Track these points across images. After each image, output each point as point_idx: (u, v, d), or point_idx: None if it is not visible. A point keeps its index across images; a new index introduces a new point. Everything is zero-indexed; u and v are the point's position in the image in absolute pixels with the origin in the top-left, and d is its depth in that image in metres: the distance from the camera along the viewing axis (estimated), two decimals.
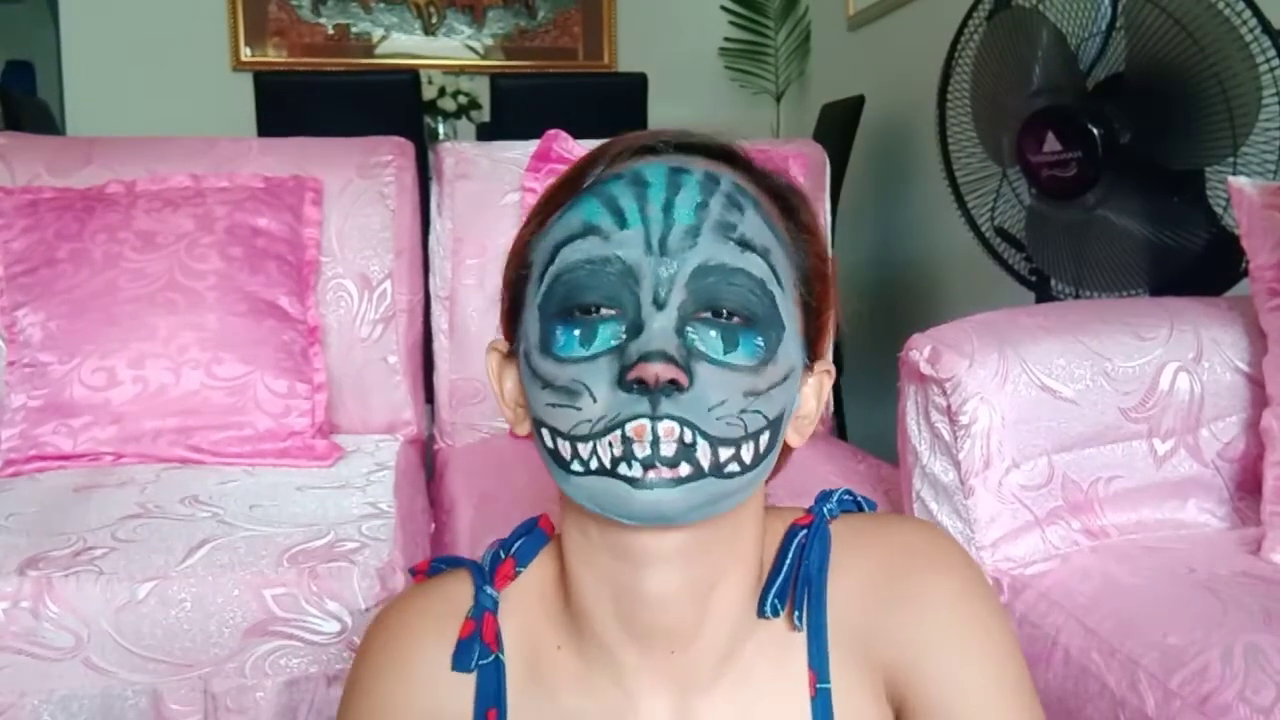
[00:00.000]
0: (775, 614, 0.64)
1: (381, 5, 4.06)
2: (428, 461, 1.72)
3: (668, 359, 0.55)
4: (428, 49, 4.08)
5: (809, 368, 0.65)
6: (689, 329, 0.58)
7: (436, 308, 1.74)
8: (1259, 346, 1.25)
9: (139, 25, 3.83)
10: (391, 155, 1.73)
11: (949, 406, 1.18)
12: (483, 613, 0.66)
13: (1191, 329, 1.27)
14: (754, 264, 0.59)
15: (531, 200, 1.65)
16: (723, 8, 3.95)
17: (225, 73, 3.94)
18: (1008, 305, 1.49)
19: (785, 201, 0.65)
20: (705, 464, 0.56)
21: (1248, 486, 1.26)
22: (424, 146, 2.72)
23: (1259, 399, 1.25)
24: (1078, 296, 1.69)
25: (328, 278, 1.65)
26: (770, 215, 0.62)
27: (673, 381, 0.55)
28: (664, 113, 3.37)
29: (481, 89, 3.37)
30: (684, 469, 0.56)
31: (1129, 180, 1.58)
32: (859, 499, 0.71)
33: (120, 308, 1.46)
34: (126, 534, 1.17)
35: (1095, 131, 1.57)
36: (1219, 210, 1.49)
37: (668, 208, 0.59)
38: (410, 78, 3.18)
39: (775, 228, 0.62)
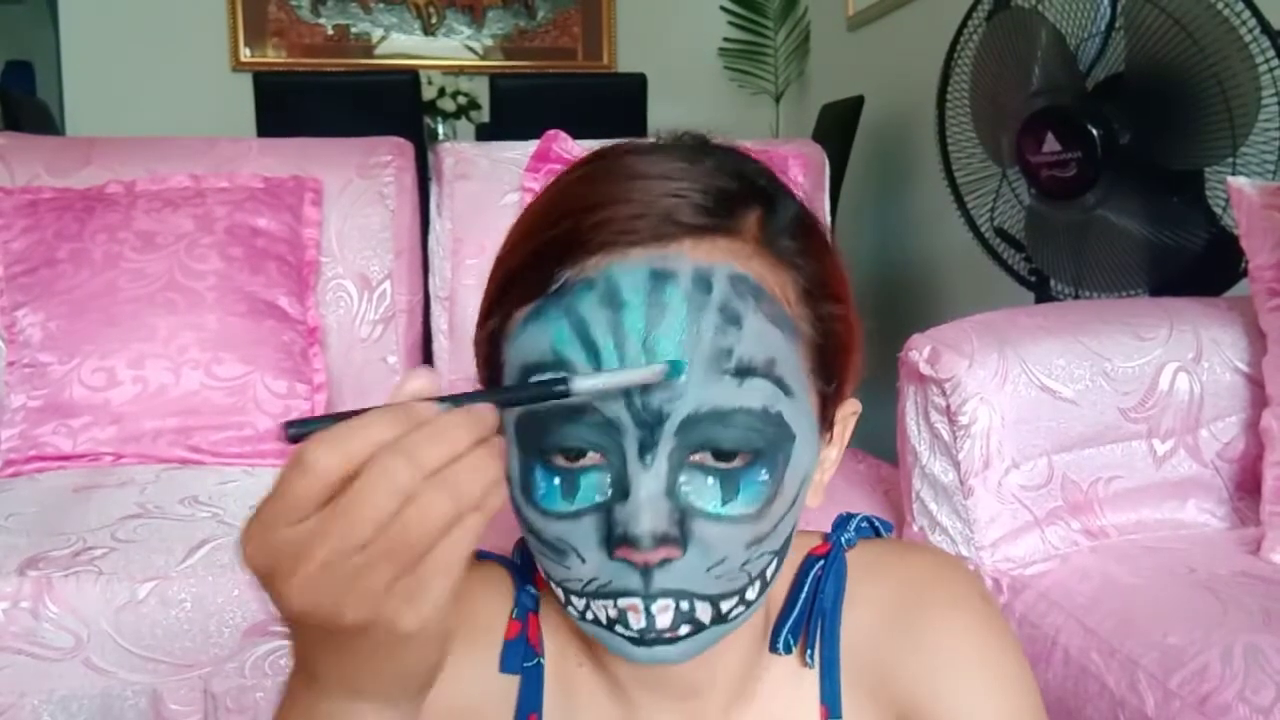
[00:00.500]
0: (788, 650, 0.62)
1: (381, 5, 4.06)
2: None
3: (658, 540, 0.50)
4: (427, 49, 4.08)
5: (828, 432, 0.59)
6: (681, 480, 0.51)
7: (436, 308, 1.74)
8: (1258, 346, 1.25)
9: (139, 25, 3.84)
10: (391, 155, 1.73)
11: (949, 407, 1.18)
12: (527, 613, 0.64)
13: (1191, 329, 1.27)
14: (754, 393, 0.51)
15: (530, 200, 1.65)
16: (722, 8, 3.95)
17: (225, 73, 3.94)
18: (1008, 305, 1.49)
19: (801, 265, 0.55)
20: (706, 620, 0.53)
21: (1247, 486, 1.26)
22: (423, 147, 2.72)
23: (1259, 399, 1.25)
24: (1077, 296, 1.69)
25: (328, 278, 1.65)
26: (781, 297, 0.54)
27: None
28: (664, 113, 3.37)
29: (481, 89, 3.37)
30: (683, 629, 0.52)
31: (1128, 180, 1.58)
32: (876, 524, 0.69)
33: (120, 308, 1.46)
34: (126, 534, 1.17)
35: (1095, 132, 1.57)
36: (1218, 210, 1.49)
37: (648, 345, 0.50)
38: (410, 78, 3.18)
39: (785, 316, 0.54)
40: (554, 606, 0.64)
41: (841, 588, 0.64)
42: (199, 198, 1.56)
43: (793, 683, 0.63)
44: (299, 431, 0.42)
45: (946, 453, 1.20)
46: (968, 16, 1.78)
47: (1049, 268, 1.74)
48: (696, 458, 0.52)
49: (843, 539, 0.66)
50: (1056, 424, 1.20)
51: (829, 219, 1.86)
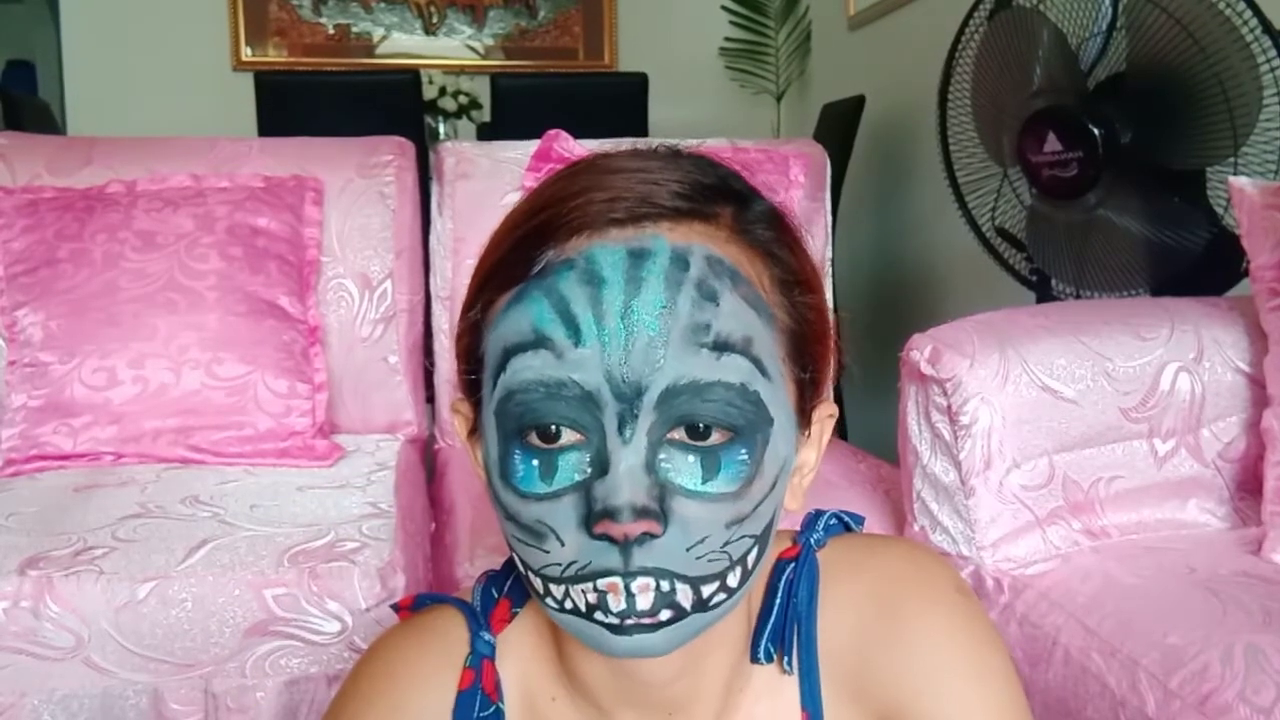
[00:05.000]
0: (769, 659, 0.62)
1: (382, 5, 4.06)
2: (428, 461, 1.72)
3: (637, 513, 0.50)
4: (428, 49, 4.08)
5: (806, 428, 0.59)
6: (661, 457, 0.52)
7: (437, 308, 1.74)
8: (1259, 346, 1.25)
9: (139, 25, 3.84)
10: (392, 155, 1.73)
11: (949, 406, 1.18)
12: (481, 660, 0.63)
13: (1192, 329, 1.27)
14: (732, 368, 0.52)
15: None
16: (723, 8, 3.95)
17: (225, 73, 3.94)
18: (1008, 305, 1.49)
19: (775, 254, 0.56)
20: (687, 605, 0.53)
21: (1248, 486, 1.26)
22: (424, 146, 2.73)
23: (1259, 399, 1.25)
24: (1078, 296, 1.69)
25: (328, 278, 1.65)
26: (756, 282, 0.55)
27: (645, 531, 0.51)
28: (665, 112, 3.37)
29: (482, 89, 3.37)
30: (664, 614, 0.52)
31: (1129, 180, 1.58)
32: (846, 520, 0.68)
33: (120, 308, 1.46)
34: (127, 534, 1.17)
35: (1096, 131, 1.57)
36: (1219, 210, 1.49)
37: (627, 315, 0.51)
38: (411, 78, 3.18)
39: (761, 300, 0.55)
40: (515, 648, 0.64)
41: (815, 590, 0.63)
42: (199, 197, 1.56)
43: (773, 690, 0.63)
44: None
45: (947, 452, 1.20)
46: (969, 16, 1.78)
47: (1050, 267, 1.74)
48: (676, 435, 0.52)
49: (812, 539, 0.65)
50: (1057, 424, 1.20)
51: (829, 219, 1.86)
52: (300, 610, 1.11)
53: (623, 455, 0.51)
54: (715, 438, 0.52)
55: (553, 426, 0.52)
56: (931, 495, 1.23)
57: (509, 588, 0.66)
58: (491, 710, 0.63)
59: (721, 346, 0.52)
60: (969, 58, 1.80)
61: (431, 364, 1.75)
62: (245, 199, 1.57)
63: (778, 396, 0.55)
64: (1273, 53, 1.37)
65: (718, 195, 0.56)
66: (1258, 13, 1.38)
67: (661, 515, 0.51)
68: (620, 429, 0.51)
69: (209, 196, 1.57)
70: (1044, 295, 1.76)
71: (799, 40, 3.85)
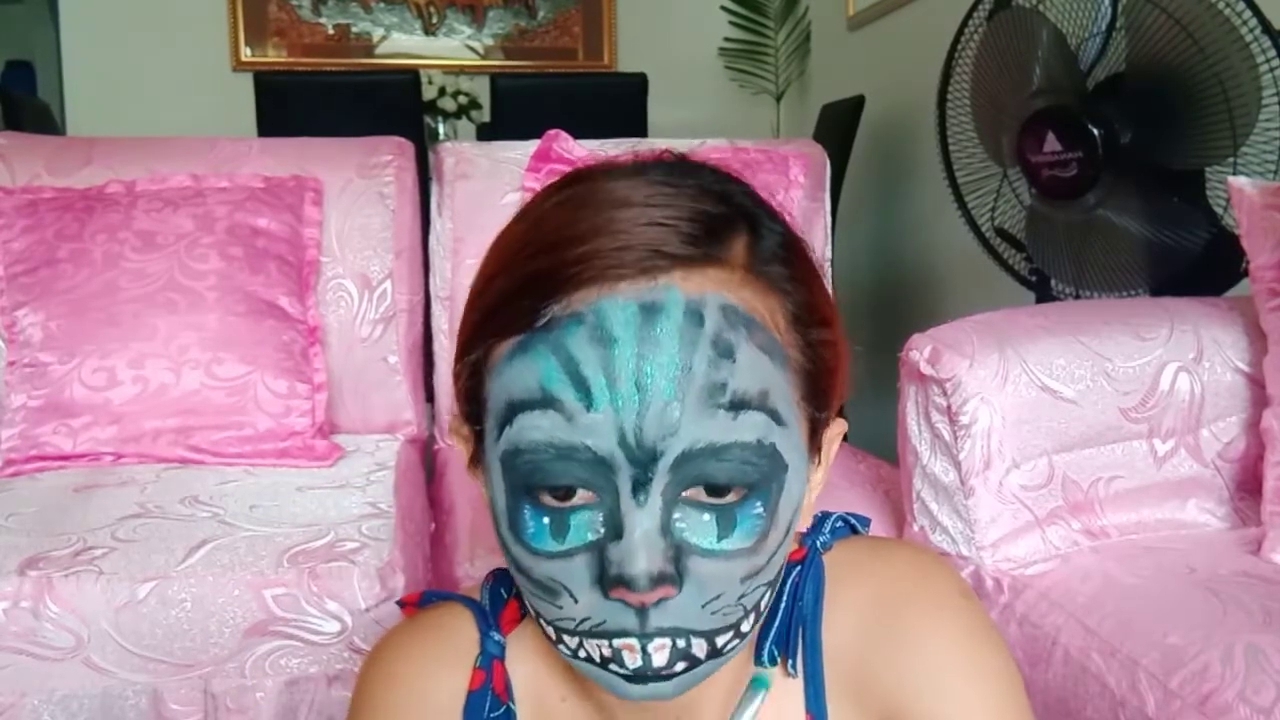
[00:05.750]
0: (773, 663, 0.62)
1: (381, 5, 4.06)
2: (428, 461, 1.72)
3: (654, 581, 0.49)
4: (428, 49, 4.08)
5: (817, 457, 0.58)
6: (676, 516, 0.50)
7: (436, 308, 1.74)
8: (1259, 346, 1.25)
9: (139, 26, 3.84)
10: (391, 155, 1.73)
11: (949, 406, 1.18)
12: (491, 661, 0.63)
13: (1192, 329, 1.27)
14: (748, 426, 0.51)
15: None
16: (723, 8, 3.95)
17: (225, 73, 3.94)
18: (1008, 305, 1.49)
19: (789, 290, 0.54)
20: (702, 655, 0.53)
21: (1248, 486, 1.26)
22: (424, 146, 2.73)
23: (1259, 399, 1.25)
24: (1078, 296, 1.69)
25: (328, 278, 1.65)
26: (771, 324, 0.53)
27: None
28: (664, 113, 3.37)
29: (481, 89, 3.37)
30: (679, 666, 0.52)
31: (1129, 180, 1.58)
32: (852, 521, 0.68)
33: (120, 308, 1.46)
34: (126, 534, 1.17)
35: (1095, 132, 1.57)
36: (1219, 210, 1.49)
37: (641, 381, 0.49)
38: (410, 78, 3.18)
39: (776, 343, 0.53)
40: (525, 648, 0.64)
41: (820, 593, 0.63)
42: (199, 197, 1.56)
43: (778, 693, 0.62)
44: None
45: (947, 452, 1.20)
46: (968, 16, 1.78)
47: (1049, 267, 1.74)
48: (690, 493, 0.51)
49: (818, 542, 0.65)
50: (1057, 424, 1.20)
51: (829, 219, 1.86)
52: (300, 610, 1.11)
53: (638, 519, 0.50)
54: (731, 495, 0.51)
55: (563, 489, 0.51)
56: (931, 495, 1.23)
57: (517, 589, 0.66)
58: (502, 711, 0.63)
59: (738, 405, 0.50)
60: (968, 58, 1.80)
61: (431, 364, 1.75)
62: (245, 199, 1.57)
63: (792, 440, 0.53)
64: (1272, 53, 1.37)
65: (729, 226, 0.53)
66: (1257, 13, 1.38)
67: (677, 577, 0.50)
68: (634, 492, 0.50)
69: (209, 197, 1.57)
70: (1043, 295, 1.76)
71: (798, 40, 3.85)
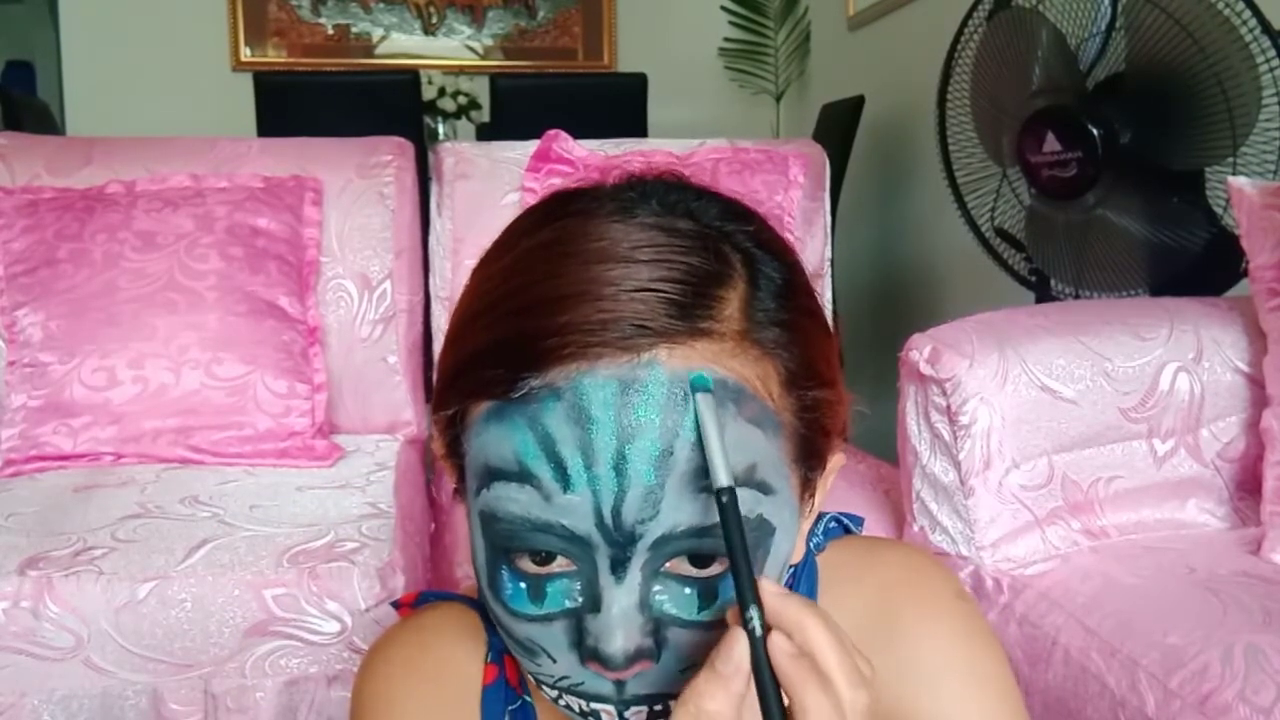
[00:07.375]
0: None
1: (381, 5, 4.06)
2: (428, 461, 1.72)
3: (631, 659, 0.48)
4: (428, 49, 4.08)
5: (810, 499, 0.55)
6: (656, 589, 0.49)
7: (436, 308, 1.74)
8: (1259, 346, 1.25)
9: (139, 26, 3.84)
10: (391, 155, 1.73)
11: (949, 406, 1.18)
12: (502, 655, 0.62)
13: (1191, 329, 1.27)
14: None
15: (531, 201, 1.65)
16: (723, 8, 3.95)
17: (225, 73, 3.94)
18: (1008, 305, 1.49)
19: (784, 351, 0.51)
20: None
21: (1248, 486, 1.26)
22: (424, 146, 2.73)
23: (1259, 399, 1.25)
24: (1078, 296, 1.69)
25: (328, 278, 1.65)
26: (764, 392, 0.50)
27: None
28: (663, 113, 3.37)
29: (481, 89, 3.37)
30: None
31: (1129, 180, 1.58)
32: (845, 521, 0.68)
33: (120, 308, 1.46)
34: (126, 534, 1.17)
35: (1095, 132, 1.57)
36: (1219, 210, 1.49)
37: (619, 465, 0.46)
38: (410, 78, 3.18)
39: (768, 411, 0.50)
40: None
41: (814, 594, 0.62)
42: (199, 198, 1.56)
43: None
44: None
45: (947, 452, 1.20)
46: (968, 16, 1.78)
47: (1049, 267, 1.74)
48: (671, 564, 0.49)
49: (811, 544, 0.64)
50: (1057, 424, 1.20)
51: (829, 219, 1.86)
52: (300, 610, 1.11)
53: (615, 595, 0.48)
54: (715, 566, 0.49)
55: (542, 553, 0.49)
56: (931, 495, 1.23)
57: None
58: (519, 703, 0.62)
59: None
60: (968, 58, 1.80)
61: (431, 364, 1.75)
62: (245, 199, 1.57)
63: (780, 501, 0.51)
64: (1272, 53, 1.37)
65: (723, 284, 0.49)
66: (1257, 13, 1.38)
67: (655, 650, 0.49)
68: (613, 569, 0.48)
69: (208, 197, 1.57)
70: (1043, 295, 1.76)
71: (798, 40, 3.85)
